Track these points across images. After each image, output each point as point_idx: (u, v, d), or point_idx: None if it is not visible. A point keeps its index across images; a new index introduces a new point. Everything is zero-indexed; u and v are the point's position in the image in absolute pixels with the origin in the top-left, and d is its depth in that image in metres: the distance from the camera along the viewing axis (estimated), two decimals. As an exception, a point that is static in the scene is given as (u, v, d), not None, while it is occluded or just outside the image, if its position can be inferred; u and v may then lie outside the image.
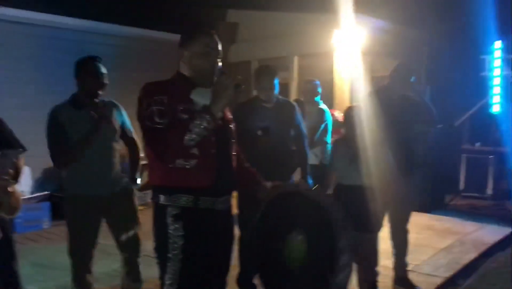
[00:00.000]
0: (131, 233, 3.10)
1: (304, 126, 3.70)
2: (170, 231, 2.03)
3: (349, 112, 3.35)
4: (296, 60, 8.56)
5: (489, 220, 6.22)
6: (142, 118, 2.00)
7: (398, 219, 3.80)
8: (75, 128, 2.87)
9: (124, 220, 3.10)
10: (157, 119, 1.96)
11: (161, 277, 2.09)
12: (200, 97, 2.05)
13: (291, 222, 2.24)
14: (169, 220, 2.04)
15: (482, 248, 5.05)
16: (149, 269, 2.09)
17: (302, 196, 2.23)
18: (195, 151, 2.01)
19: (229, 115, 2.30)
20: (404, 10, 7.83)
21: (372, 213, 3.16)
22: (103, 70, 2.98)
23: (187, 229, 2.04)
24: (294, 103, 3.75)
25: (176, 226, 2.03)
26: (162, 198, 2.08)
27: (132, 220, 3.12)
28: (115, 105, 3.14)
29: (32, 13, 6.66)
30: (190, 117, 1.95)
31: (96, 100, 2.97)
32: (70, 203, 2.98)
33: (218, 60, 2.16)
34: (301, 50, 8.37)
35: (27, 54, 6.71)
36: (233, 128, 2.29)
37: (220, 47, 2.18)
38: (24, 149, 2.24)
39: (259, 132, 3.32)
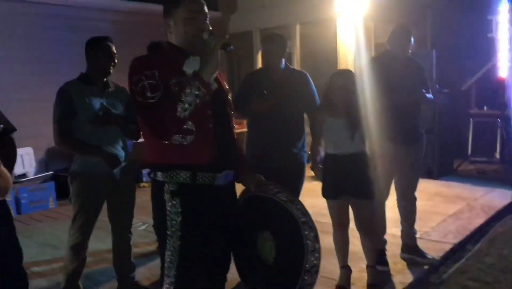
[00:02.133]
0: (127, 214, 3.23)
1: (316, 96, 3.55)
2: (168, 208, 1.98)
3: (333, 78, 3.14)
4: (298, 28, 8.38)
5: (497, 184, 6.15)
6: (134, 94, 1.91)
7: (405, 186, 3.74)
8: (83, 103, 2.94)
9: (125, 200, 3.20)
10: (149, 94, 1.86)
11: (162, 254, 2.05)
12: (192, 67, 1.94)
13: (264, 222, 2.31)
14: (167, 196, 1.98)
15: (491, 213, 5.02)
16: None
17: (271, 200, 2.27)
18: (191, 126, 1.93)
19: (226, 86, 2.20)
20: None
21: (370, 179, 3.10)
22: (114, 49, 3.06)
23: (185, 206, 1.98)
24: (305, 72, 3.57)
25: (174, 202, 1.97)
26: (159, 175, 2.01)
27: (131, 200, 3.25)
28: (124, 92, 3.14)
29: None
30: (181, 88, 1.85)
31: (106, 79, 3.06)
32: (81, 179, 3.01)
33: (206, 23, 2.04)
34: (303, 18, 8.19)
35: (24, 33, 6.60)
36: (230, 99, 2.19)
37: (205, 8, 2.05)
38: (11, 128, 2.16)
39: (254, 96, 3.20)
